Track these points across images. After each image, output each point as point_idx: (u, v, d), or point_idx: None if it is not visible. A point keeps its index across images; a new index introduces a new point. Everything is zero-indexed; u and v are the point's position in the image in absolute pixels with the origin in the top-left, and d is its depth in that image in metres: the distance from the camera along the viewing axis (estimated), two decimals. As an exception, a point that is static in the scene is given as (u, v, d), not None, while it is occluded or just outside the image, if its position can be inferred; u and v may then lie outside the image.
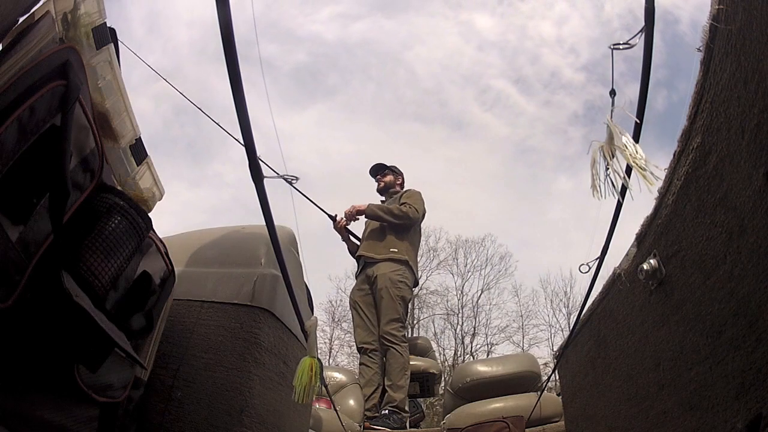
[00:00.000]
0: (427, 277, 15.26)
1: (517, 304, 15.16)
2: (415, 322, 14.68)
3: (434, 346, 14.32)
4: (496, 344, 14.65)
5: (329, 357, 14.21)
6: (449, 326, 15.09)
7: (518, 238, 19.66)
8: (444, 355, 14.45)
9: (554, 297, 14.95)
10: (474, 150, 19.12)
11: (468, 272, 15.68)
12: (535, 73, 17.10)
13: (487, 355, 13.91)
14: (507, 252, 15.75)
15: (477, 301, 15.29)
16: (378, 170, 3.42)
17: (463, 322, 15.05)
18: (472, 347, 14.73)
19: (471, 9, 17.74)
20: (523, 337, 14.64)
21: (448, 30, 18.42)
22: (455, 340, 14.88)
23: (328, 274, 13.89)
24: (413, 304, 14.73)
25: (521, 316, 14.94)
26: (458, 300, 15.35)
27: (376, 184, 3.41)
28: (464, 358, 14.18)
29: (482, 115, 18.37)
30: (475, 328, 14.94)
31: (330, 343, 14.44)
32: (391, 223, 3.07)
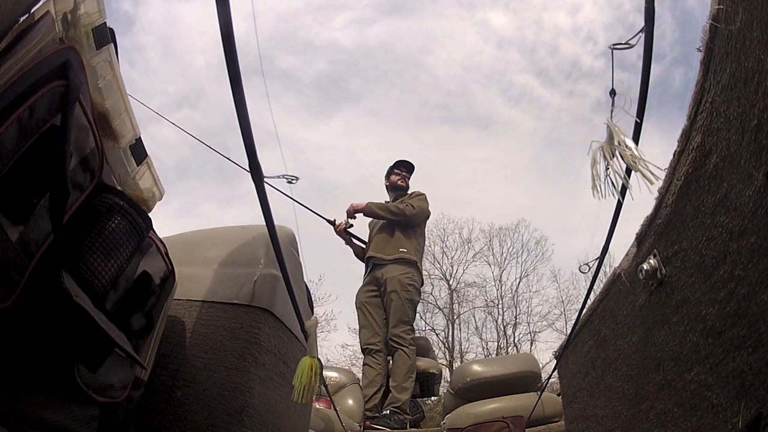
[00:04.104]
0: (464, 270, 14.84)
1: (557, 289, 14.50)
2: (455, 317, 14.28)
3: (476, 340, 13.90)
4: (539, 332, 14.04)
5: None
6: (490, 318, 14.52)
7: (553, 226, 19.37)
8: (487, 348, 13.98)
9: (594, 279, 14.34)
10: (503, 146, 18.86)
11: (505, 260, 15.10)
12: (555, 64, 16.84)
13: (531, 345, 13.53)
14: (542, 236, 15.11)
15: (516, 290, 14.74)
16: (404, 166, 3.35)
17: (503, 313, 14.48)
18: (515, 337, 14.14)
19: (485, 8, 17.55)
20: (566, 323, 13.71)
21: (465, 31, 18.32)
22: (497, 331, 14.30)
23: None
24: (452, 299, 14.46)
25: (562, 301, 14.23)
26: (497, 290, 14.80)
27: (394, 176, 3.32)
28: (507, 350, 13.68)
29: (508, 112, 18.14)
30: (516, 317, 14.35)
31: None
32: (389, 220, 3.09)
